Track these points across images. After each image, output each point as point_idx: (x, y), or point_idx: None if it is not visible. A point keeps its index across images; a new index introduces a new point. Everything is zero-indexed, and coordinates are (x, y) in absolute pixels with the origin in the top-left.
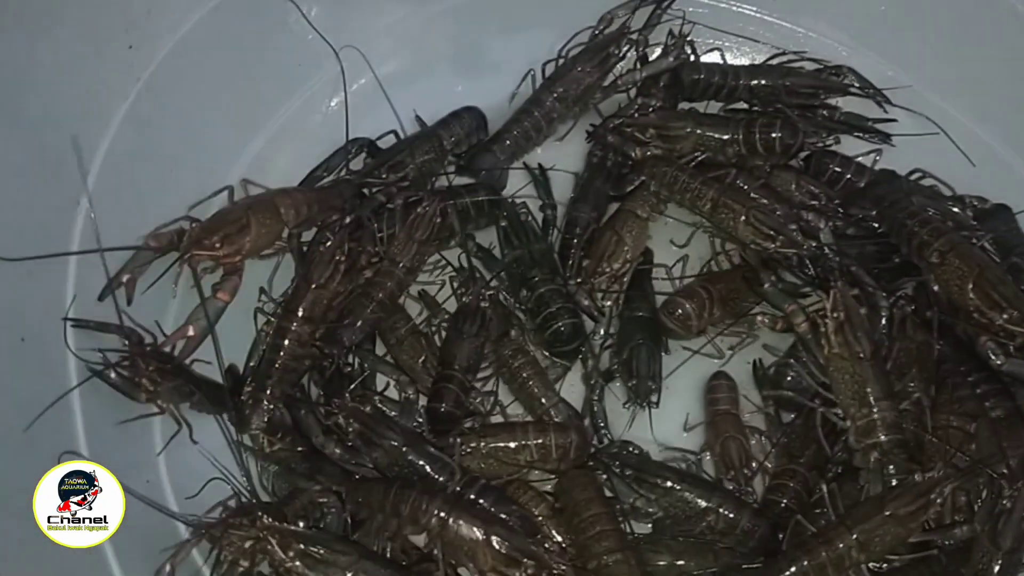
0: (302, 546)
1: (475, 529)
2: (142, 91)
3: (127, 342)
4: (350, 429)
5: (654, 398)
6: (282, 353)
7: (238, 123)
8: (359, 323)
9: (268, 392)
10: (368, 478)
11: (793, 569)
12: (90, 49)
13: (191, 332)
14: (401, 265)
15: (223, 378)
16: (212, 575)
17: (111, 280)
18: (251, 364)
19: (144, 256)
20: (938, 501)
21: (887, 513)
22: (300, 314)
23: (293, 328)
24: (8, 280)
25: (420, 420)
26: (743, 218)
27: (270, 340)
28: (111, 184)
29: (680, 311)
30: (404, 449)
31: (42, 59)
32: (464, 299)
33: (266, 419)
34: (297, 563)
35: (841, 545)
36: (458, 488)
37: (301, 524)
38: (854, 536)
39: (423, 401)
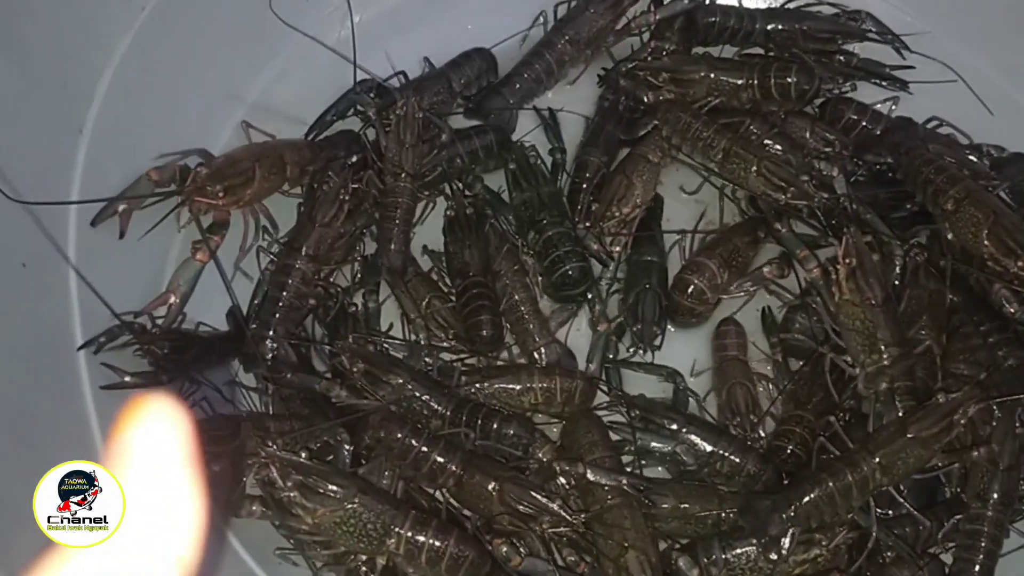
0: (301, 477)
1: (489, 487)
2: (146, 21)
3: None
4: (354, 370)
5: (657, 342)
6: (285, 292)
7: (245, 57)
8: (393, 242)
9: (272, 331)
10: (391, 421)
11: (818, 491)
12: None
13: (172, 300)
14: (404, 175)
15: (227, 321)
16: None
17: (106, 206)
18: (255, 303)
19: (144, 187)
20: (961, 422)
21: (910, 436)
22: (304, 252)
23: (297, 266)
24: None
25: (427, 362)
26: (754, 169)
27: (273, 278)
28: (114, 115)
29: (692, 287)
30: (410, 386)
31: None
32: (448, 213)
33: (271, 358)
34: (294, 493)
35: (864, 468)
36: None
37: (304, 454)
38: (876, 460)
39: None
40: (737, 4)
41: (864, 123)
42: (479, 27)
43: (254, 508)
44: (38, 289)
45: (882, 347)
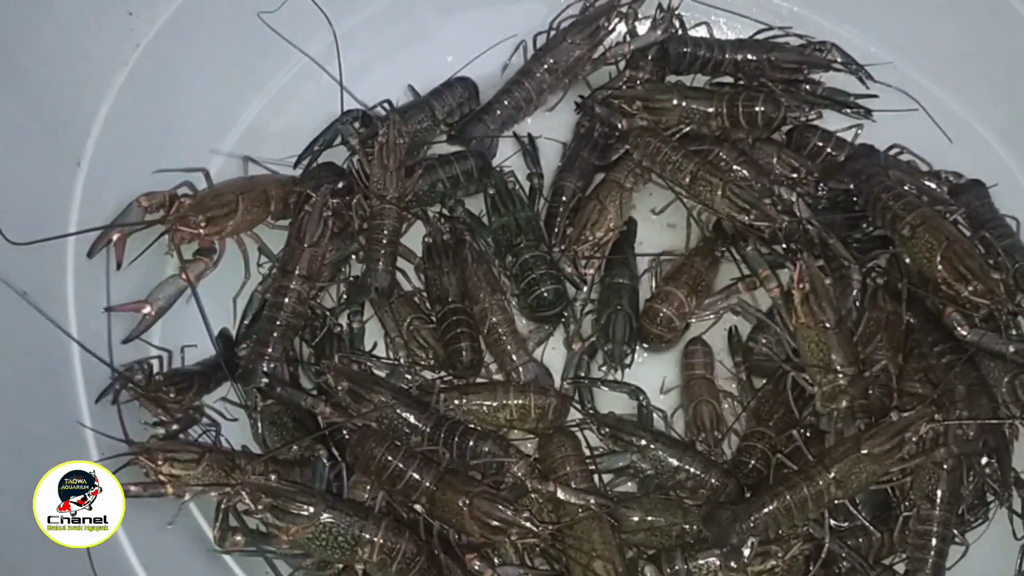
0: (271, 499)
1: (460, 503)
2: (141, 57)
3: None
4: (339, 388)
5: (627, 361)
6: (283, 311)
7: (234, 89)
8: (381, 262)
9: (270, 349)
10: (368, 438)
11: (776, 503)
12: (91, 15)
13: (147, 310)
14: (389, 197)
15: (214, 343)
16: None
17: (100, 235)
18: (245, 323)
19: (134, 214)
20: (912, 439)
21: (864, 452)
22: (298, 273)
23: (293, 287)
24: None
25: (408, 378)
26: (720, 192)
27: (271, 299)
28: (110, 148)
29: (661, 315)
30: (391, 403)
31: (43, 24)
32: (426, 239)
33: (268, 373)
34: (267, 515)
35: (820, 482)
36: (442, 435)
37: (274, 477)
38: (832, 474)
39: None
40: (708, 35)
41: (828, 149)
42: (461, 57)
43: (237, 538)
44: (38, 316)
45: (837, 367)
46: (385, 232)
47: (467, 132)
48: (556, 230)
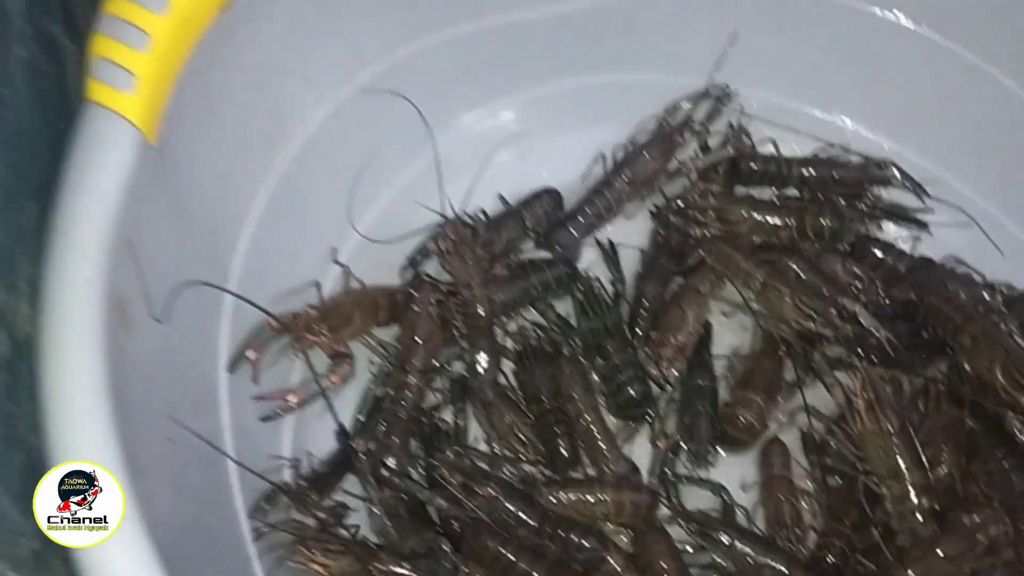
0: None
1: None
2: (279, 181)
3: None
4: (453, 481)
5: (710, 459)
6: (404, 405)
7: (350, 204)
8: (485, 355)
9: (396, 442)
10: (484, 531)
11: None
12: (239, 144)
13: (292, 400)
14: (478, 287)
15: (337, 439)
16: None
17: (236, 355)
18: (360, 418)
19: (266, 335)
20: (983, 541)
21: (940, 554)
22: (416, 368)
23: (411, 382)
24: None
25: (511, 471)
26: (788, 299)
27: (393, 395)
28: (252, 264)
29: (742, 421)
30: (501, 497)
31: (205, 156)
32: (516, 347)
33: (391, 467)
34: None
35: None
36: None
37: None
38: (910, 574)
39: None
40: (775, 152)
41: (889, 260)
42: (552, 171)
43: None
44: (198, 415)
45: (904, 472)
46: (482, 316)
47: (554, 239)
48: (639, 333)
